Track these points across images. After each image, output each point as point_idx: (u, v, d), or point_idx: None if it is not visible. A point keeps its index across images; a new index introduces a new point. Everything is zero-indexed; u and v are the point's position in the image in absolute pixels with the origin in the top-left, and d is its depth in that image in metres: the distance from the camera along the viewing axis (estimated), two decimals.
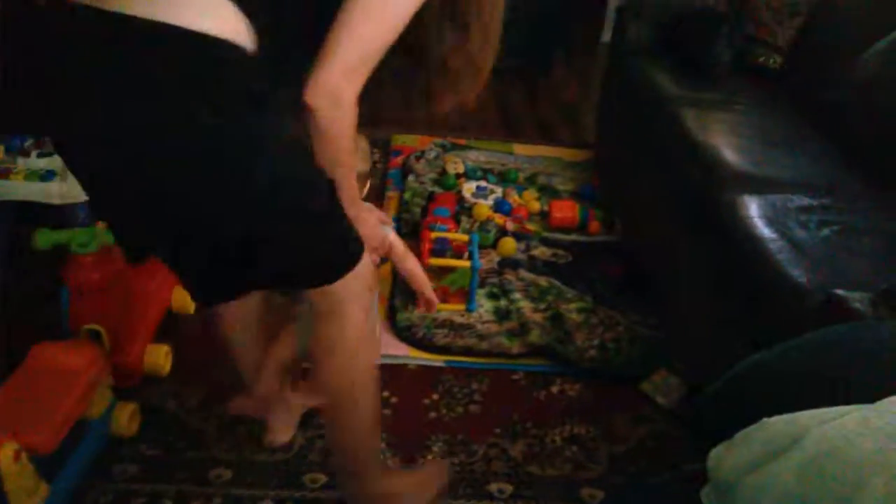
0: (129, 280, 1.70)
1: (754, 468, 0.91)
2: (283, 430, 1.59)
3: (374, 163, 2.70)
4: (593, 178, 2.72)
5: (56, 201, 1.89)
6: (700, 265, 1.85)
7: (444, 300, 1.95)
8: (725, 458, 0.95)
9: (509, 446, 1.64)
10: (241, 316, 1.42)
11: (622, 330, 1.97)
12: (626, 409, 1.77)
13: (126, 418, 1.53)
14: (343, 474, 1.39)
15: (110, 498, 1.44)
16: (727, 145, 2.06)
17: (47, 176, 1.90)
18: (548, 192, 2.61)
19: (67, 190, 1.89)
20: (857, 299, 1.30)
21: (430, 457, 1.58)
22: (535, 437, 1.66)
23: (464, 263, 1.98)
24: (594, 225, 2.39)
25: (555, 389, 1.81)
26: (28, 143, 1.96)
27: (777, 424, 0.92)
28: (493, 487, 1.54)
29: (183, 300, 1.89)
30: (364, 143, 1.83)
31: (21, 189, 1.88)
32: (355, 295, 1.15)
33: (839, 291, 1.35)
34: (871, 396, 0.94)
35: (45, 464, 1.31)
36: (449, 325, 1.93)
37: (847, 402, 0.94)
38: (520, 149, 2.96)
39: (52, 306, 1.65)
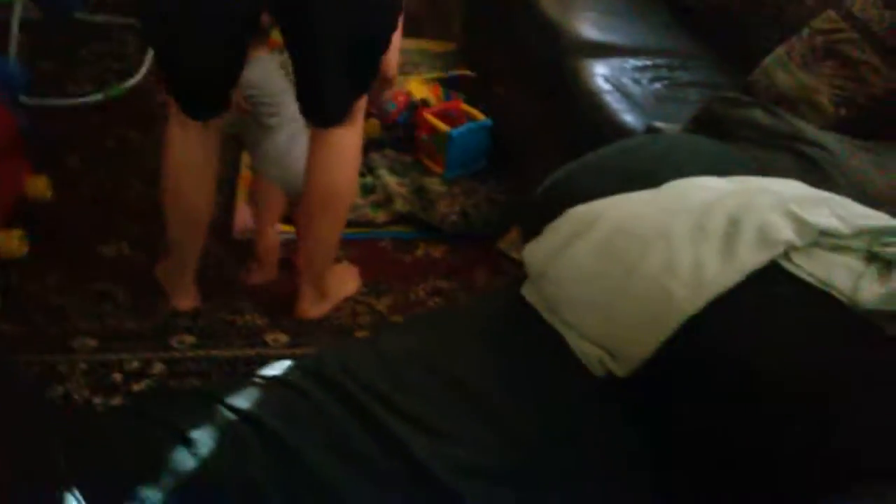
0: None
1: (559, 253, 1.02)
2: (190, 295, 1.63)
3: None
4: (458, 67, 2.78)
5: None
6: (549, 125, 1.97)
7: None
8: (536, 250, 1.06)
9: (375, 301, 1.73)
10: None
11: (481, 197, 2.07)
12: (485, 265, 1.89)
13: None
14: (312, 267, 1.60)
15: None
16: (574, 18, 2.16)
17: None
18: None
19: None
20: (670, 128, 1.44)
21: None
22: (401, 293, 1.76)
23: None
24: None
25: (419, 253, 1.90)
26: None
27: (578, 211, 1.04)
28: (359, 334, 1.63)
29: (37, 186, 1.84)
30: None
31: None
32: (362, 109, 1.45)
33: (656, 123, 1.48)
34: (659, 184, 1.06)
35: None
36: None
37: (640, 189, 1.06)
38: None
39: None
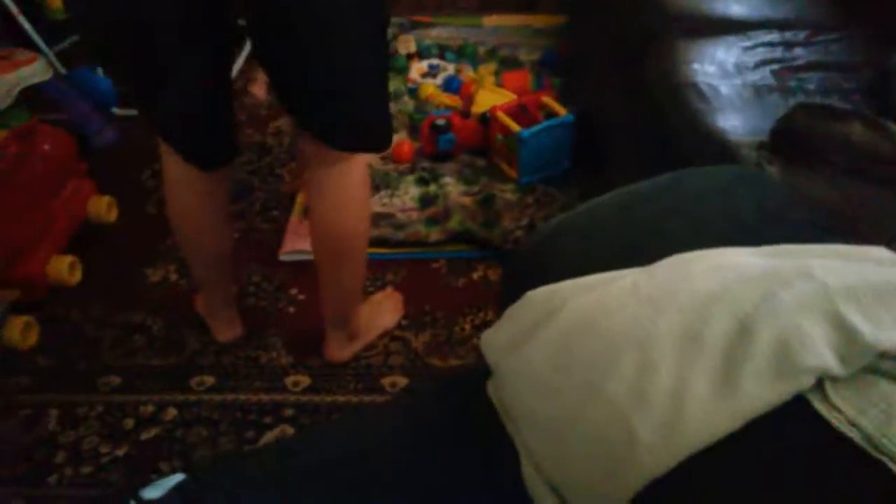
0: (28, 193, 1.65)
1: (514, 348, 0.77)
2: (230, 327, 1.55)
3: None
4: (561, 46, 2.46)
5: None
6: (632, 123, 1.64)
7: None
8: (492, 338, 0.82)
9: (413, 338, 1.54)
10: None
11: (556, 207, 1.79)
12: None
13: (18, 331, 1.52)
14: (336, 312, 1.42)
15: None
16: None
17: None
18: (509, 63, 2.39)
19: None
20: (747, 144, 1.10)
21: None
22: (444, 327, 1.56)
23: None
24: (549, 94, 2.16)
25: (476, 276, 1.68)
26: None
27: (539, 295, 0.77)
28: (387, 381, 1.45)
29: (99, 211, 1.84)
30: None
31: None
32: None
33: (732, 136, 1.14)
34: (674, 252, 0.77)
35: None
36: None
37: (642, 262, 0.77)
38: (489, 20, 2.71)
39: None
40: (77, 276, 1.70)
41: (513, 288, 0.91)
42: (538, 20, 2.68)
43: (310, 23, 1.00)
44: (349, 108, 1.13)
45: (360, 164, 1.23)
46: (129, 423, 1.40)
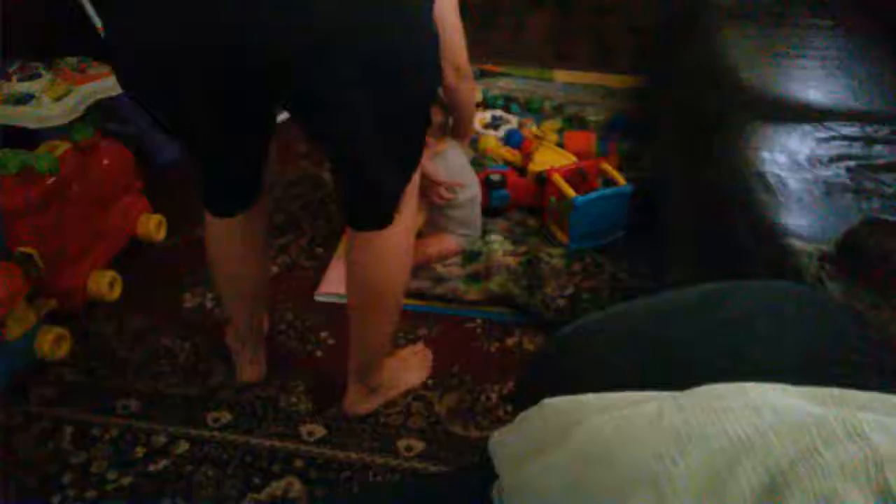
0: (81, 207, 1.67)
1: (525, 461, 0.71)
2: (254, 368, 1.51)
3: None
4: (632, 109, 2.40)
5: (31, 125, 1.90)
6: (691, 203, 1.57)
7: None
8: (502, 443, 0.76)
9: (436, 400, 1.48)
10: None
11: (605, 278, 1.72)
12: None
13: (50, 342, 1.53)
14: (361, 364, 1.38)
15: (18, 420, 1.44)
16: (760, 62, 1.73)
17: (25, 99, 1.90)
18: (575, 122, 2.34)
19: (44, 114, 1.89)
20: (809, 252, 1.01)
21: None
22: (470, 393, 1.50)
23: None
24: (612, 159, 2.11)
25: (511, 341, 1.61)
26: (13, 67, 1.97)
27: (556, 407, 0.71)
28: (402, 444, 1.40)
29: (149, 229, 1.86)
30: None
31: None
32: (411, 202, 1.20)
33: (794, 239, 1.06)
34: (707, 379, 0.70)
35: None
36: None
37: (670, 385, 0.71)
38: (562, 75, 2.68)
39: None
40: (116, 293, 1.72)
41: (532, 383, 0.86)
42: (612, 80, 2.63)
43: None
44: (389, 204, 1.15)
45: (408, 215, 1.20)
46: (140, 451, 1.38)
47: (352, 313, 1.30)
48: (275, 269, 1.82)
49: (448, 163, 1.71)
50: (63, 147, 1.63)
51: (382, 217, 1.17)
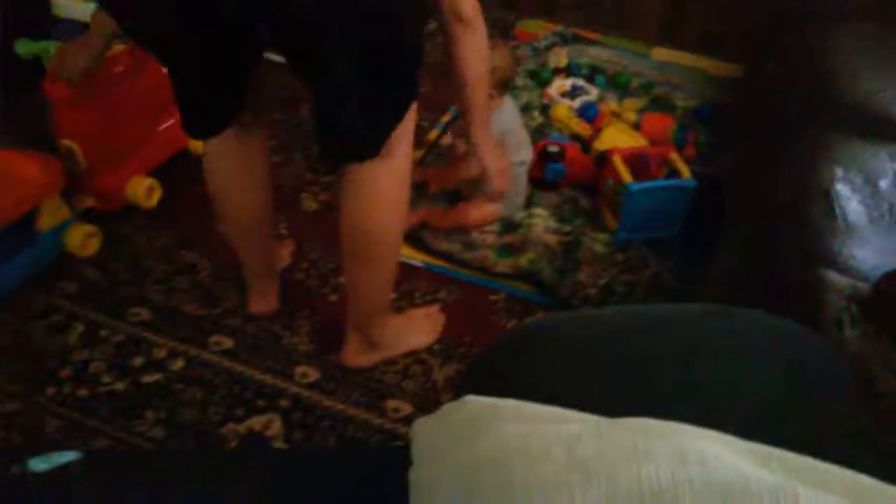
0: (129, 109, 1.69)
1: (432, 457, 0.65)
2: (264, 300, 1.51)
3: None
4: (725, 99, 2.22)
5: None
6: (751, 208, 1.42)
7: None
8: (424, 430, 0.70)
9: (437, 367, 1.43)
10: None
11: (647, 275, 1.60)
12: None
13: (80, 238, 1.56)
14: (358, 316, 1.34)
15: (40, 308, 1.49)
16: (860, 72, 1.53)
17: None
18: (659, 104, 2.18)
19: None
20: (841, 289, 0.88)
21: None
22: None
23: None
24: (689, 150, 1.95)
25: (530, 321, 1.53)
26: None
27: (474, 406, 0.65)
28: (390, 404, 1.36)
29: (199, 145, 1.86)
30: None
31: None
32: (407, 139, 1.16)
33: (832, 270, 0.93)
34: (652, 409, 0.62)
35: None
36: None
37: (610, 406, 0.63)
38: (659, 53, 2.50)
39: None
40: (153, 201, 1.73)
41: (479, 371, 0.79)
42: (715, 66, 2.43)
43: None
44: (366, 136, 1.10)
45: (400, 160, 1.15)
46: (138, 361, 1.40)
47: (344, 262, 1.26)
48: (315, 206, 1.80)
49: (501, 119, 1.60)
50: (120, 48, 1.63)
51: (353, 150, 1.12)
